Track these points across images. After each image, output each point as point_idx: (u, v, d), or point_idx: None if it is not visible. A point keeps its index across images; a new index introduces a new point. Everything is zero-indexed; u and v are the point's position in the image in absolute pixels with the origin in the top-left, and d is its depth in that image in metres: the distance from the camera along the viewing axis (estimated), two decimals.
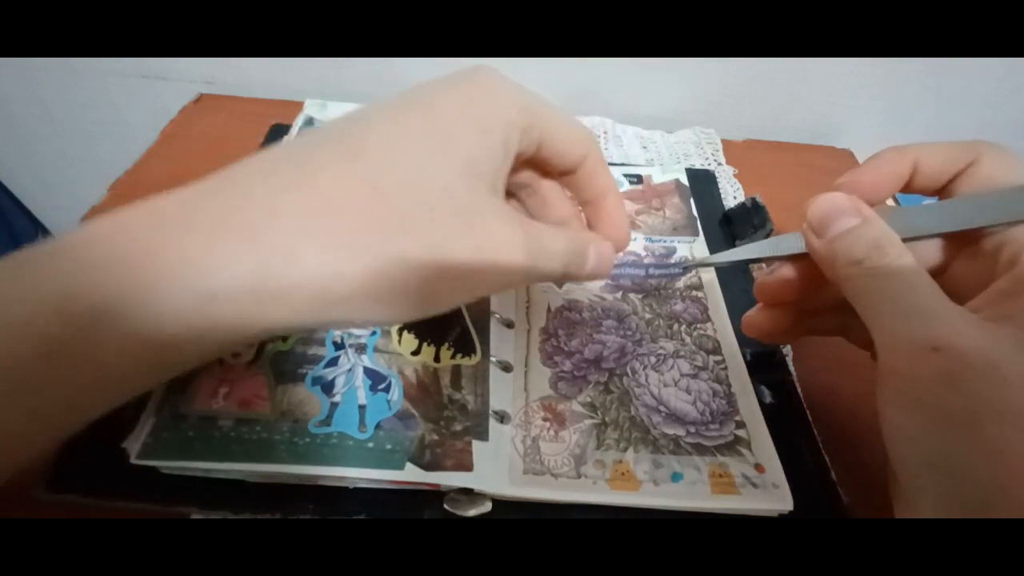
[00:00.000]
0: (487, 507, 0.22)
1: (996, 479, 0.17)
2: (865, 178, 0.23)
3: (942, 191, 0.22)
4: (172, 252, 0.18)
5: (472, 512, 0.22)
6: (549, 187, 0.25)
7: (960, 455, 0.18)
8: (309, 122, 0.38)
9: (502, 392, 0.25)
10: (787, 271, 0.24)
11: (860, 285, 0.21)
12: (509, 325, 0.27)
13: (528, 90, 0.23)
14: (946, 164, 0.22)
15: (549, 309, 0.29)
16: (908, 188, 0.23)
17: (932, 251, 0.23)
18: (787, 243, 0.23)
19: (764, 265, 0.34)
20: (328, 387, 0.23)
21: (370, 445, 0.21)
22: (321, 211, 0.19)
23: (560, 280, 0.26)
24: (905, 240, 0.21)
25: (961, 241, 0.22)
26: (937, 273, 0.23)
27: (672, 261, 0.32)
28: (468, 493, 0.22)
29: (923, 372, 0.18)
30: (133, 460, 0.20)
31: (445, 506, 0.22)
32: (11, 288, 0.16)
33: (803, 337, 0.25)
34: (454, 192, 0.21)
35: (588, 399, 0.25)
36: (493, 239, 0.21)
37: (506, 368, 0.26)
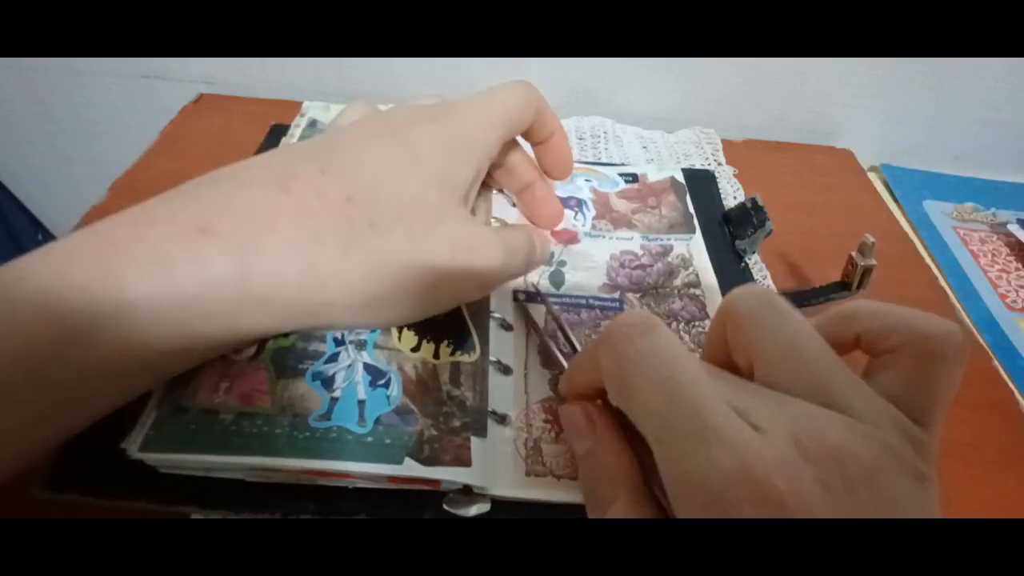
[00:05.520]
0: (487, 507, 0.22)
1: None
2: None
3: None
4: (145, 254, 0.18)
5: (472, 512, 0.22)
6: (515, 159, 0.29)
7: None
8: (312, 124, 0.38)
9: (502, 394, 0.25)
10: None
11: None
12: (508, 327, 0.27)
13: (514, 101, 0.26)
14: None
15: (547, 311, 0.29)
16: None
17: None
18: None
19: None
20: (328, 382, 0.23)
21: (369, 439, 0.21)
22: (298, 219, 0.20)
23: (522, 272, 0.28)
24: None
25: None
26: None
27: (669, 259, 0.32)
28: (468, 493, 0.22)
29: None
30: (136, 453, 0.20)
31: (445, 506, 0.22)
32: None
33: None
34: (425, 199, 0.22)
35: None
36: (469, 241, 0.23)
37: (505, 371, 0.26)
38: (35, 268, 0.17)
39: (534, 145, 0.30)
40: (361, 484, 0.22)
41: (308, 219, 0.20)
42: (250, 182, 0.20)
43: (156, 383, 0.21)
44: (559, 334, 0.28)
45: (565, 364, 0.25)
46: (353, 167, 0.21)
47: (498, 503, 0.22)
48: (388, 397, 0.23)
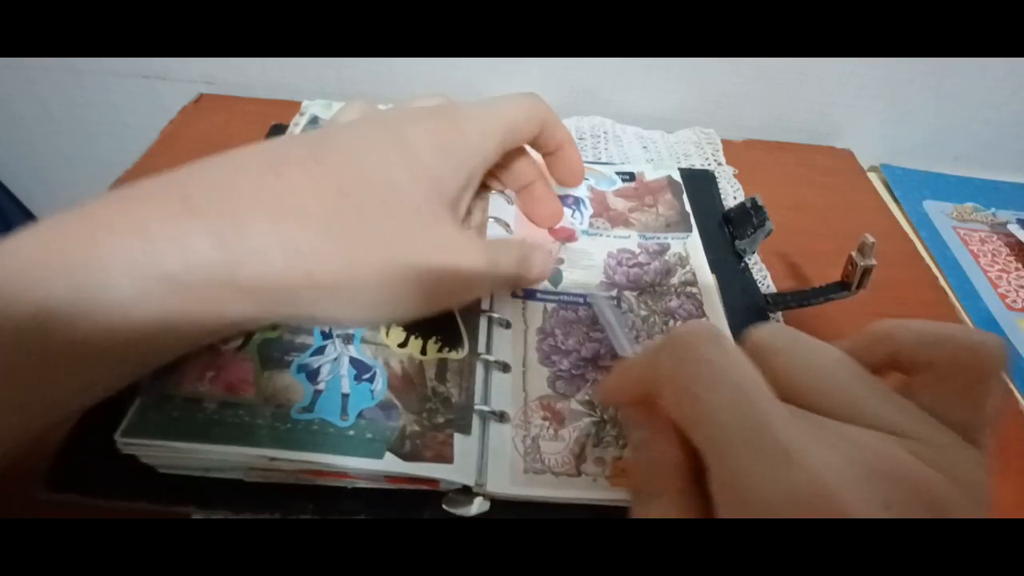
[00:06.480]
0: (486, 507, 0.22)
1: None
2: None
3: None
4: (129, 230, 0.18)
5: (472, 511, 0.22)
6: (515, 159, 0.29)
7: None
8: (313, 121, 0.38)
9: (501, 392, 0.25)
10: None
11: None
12: (506, 326, 0.27)
13: (514, 108, 0.27)
14: None
15: (545, 309, 0.29)
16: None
17: None
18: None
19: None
20: (313, 375, 0.23)
21: (351, 433, 0.21)
22: (288, 206, 0.20)
23: (514, 284, 0.28)
24: None
25: None
26: None
27: (666, 258, 0.32)
28: (467, 492, 0.22)
29: None
30: (117, 437, 0.20)
31: (444, 506, 0.22)
32: None
33: None
34: (414, 201, 0.22)
35: (586, 397, 0.25)
36: (450, 244, 0.23)
37: (504, 368, 0.26)
38: (22, 244, 0.17)
39: (544, 155, 0.30)
40: (360, 484, 0.22)
41: (297, 205, 0.20)
42: (242, 166, 0.20)
43: (141, 372, 0.20)
44: (557, 331, 0.28)
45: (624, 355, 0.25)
46: (347, 160, 0.21)
47: (498, 502, 0.22)
48: (372, 392, 0.23)
